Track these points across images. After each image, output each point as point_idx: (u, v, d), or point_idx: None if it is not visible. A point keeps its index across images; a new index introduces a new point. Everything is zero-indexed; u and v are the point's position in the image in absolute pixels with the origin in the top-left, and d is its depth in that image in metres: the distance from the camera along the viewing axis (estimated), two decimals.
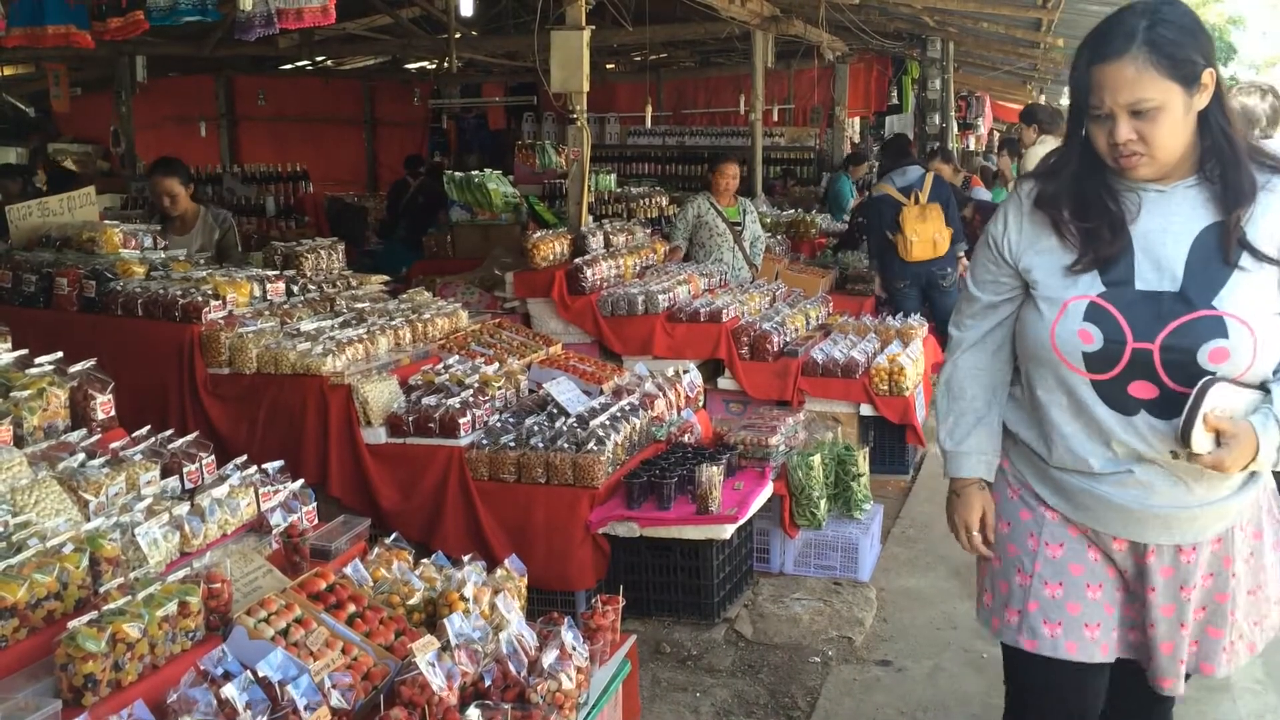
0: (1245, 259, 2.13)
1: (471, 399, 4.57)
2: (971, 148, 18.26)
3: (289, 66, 15.58)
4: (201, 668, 2.43)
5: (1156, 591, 2.31)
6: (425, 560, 3.40)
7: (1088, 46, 2.16)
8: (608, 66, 15.60)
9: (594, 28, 6.84)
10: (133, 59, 11.38)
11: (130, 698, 2.37)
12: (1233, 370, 2.10)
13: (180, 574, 2.70)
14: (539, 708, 2.59)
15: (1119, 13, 2.15)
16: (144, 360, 4.65)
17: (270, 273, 5.36)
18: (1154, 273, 2.16)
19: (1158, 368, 2.13)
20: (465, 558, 3.38)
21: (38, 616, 2.48)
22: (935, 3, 9.65)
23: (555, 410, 4.67)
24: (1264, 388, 2.14)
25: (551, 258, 6.76)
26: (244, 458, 3.50)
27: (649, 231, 8.22)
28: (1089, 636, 2.35)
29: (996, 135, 19.91)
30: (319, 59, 15.34)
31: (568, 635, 2.82)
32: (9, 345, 3.55)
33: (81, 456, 3.12)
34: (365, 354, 4.80)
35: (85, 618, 2.39)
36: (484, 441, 4.45)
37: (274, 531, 3.24)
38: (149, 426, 3.47)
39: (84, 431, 3.30)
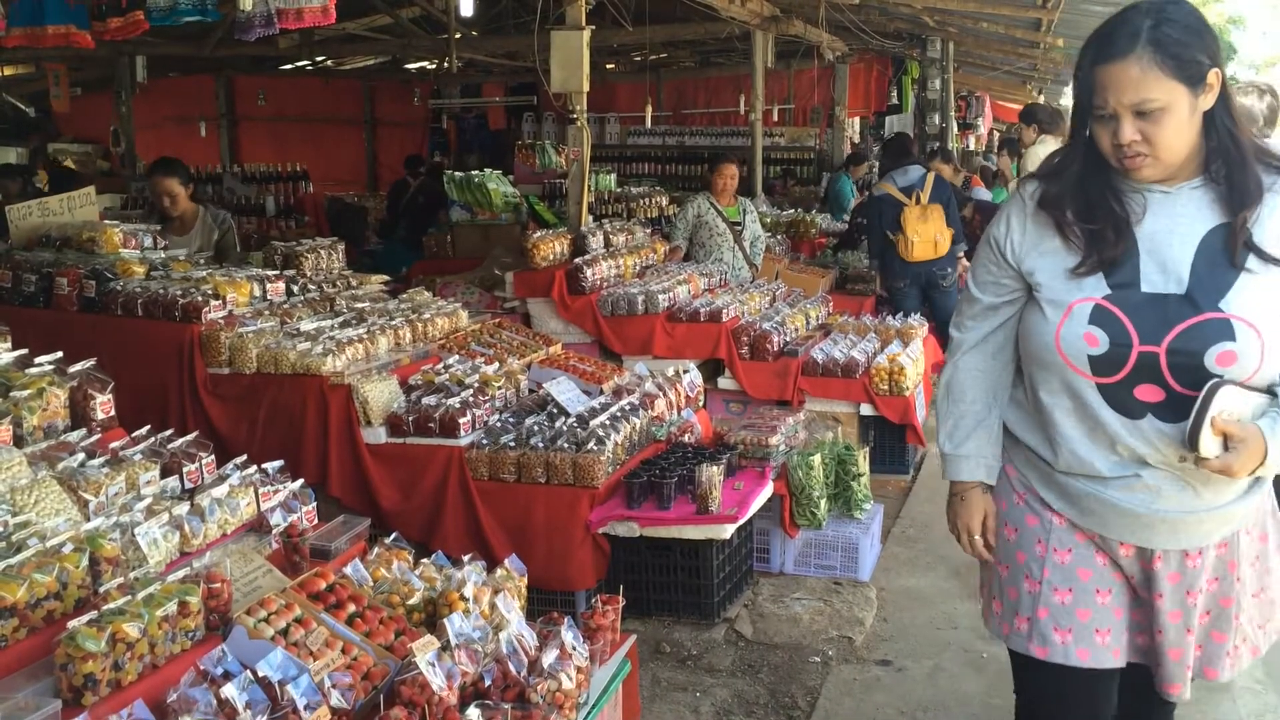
0: (1252, 261, 2.11)
1: (471, 399, 4.57)
2: (971, 148, 18.26)
3: (289, 66, 15.58)
4: (201, 667, 2.43)
5: (1164, 598, 2.29)
6: (425, 560, 3.40)
7: (1092, 46, 2.14)
8: (608, 66, 15.60)
9: (594, 28, 6.84)
10: (133, 59, 11.38)
11: (130, 697, 2.37)
12: (1240, 374, 2.08)
13: (180, 574, 2.70)
14: (539, 707, 2.59)
15: (1123, 12, 2.13)
16: (144, 360, 4.65)
17: (270, 272, 5.36)
18: (1160, 275, 2.14)
19: (1164, 371, 2.11)
20: (465, 557, 3.38)
21: (37, 616, 2.48)
22: (935, 3, 9.65)
23: (555, 410, 4.67)
24: (1271, 391, 2.11)
25: (551, 257, 6.76)
26: (244, 457, 3.50)
27: (649, 231, 8.22)
28: (1100, 642, 2.33)
29: (996, 135, 19.91)
30: (319, 59, 15.34)
31: (568, 635, 2.82)
32: (9, 345, 3.55)
33: (81, 456, 3.12)
34: (365, 354, 4.80)
35: (85, 617, 2.39)
36: (484, 441, 4.45)
37: (274, 531, 3.24)
38: (149, 426, 3.47)
39: (84, 431, 3.30)
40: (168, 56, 12.48)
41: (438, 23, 11.54)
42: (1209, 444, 2.05)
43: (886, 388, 5.96)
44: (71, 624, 2.37)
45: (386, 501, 4.48)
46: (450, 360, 5.00)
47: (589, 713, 2.81)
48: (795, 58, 12.94)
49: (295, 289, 5.33)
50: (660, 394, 5.01)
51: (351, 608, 2.93)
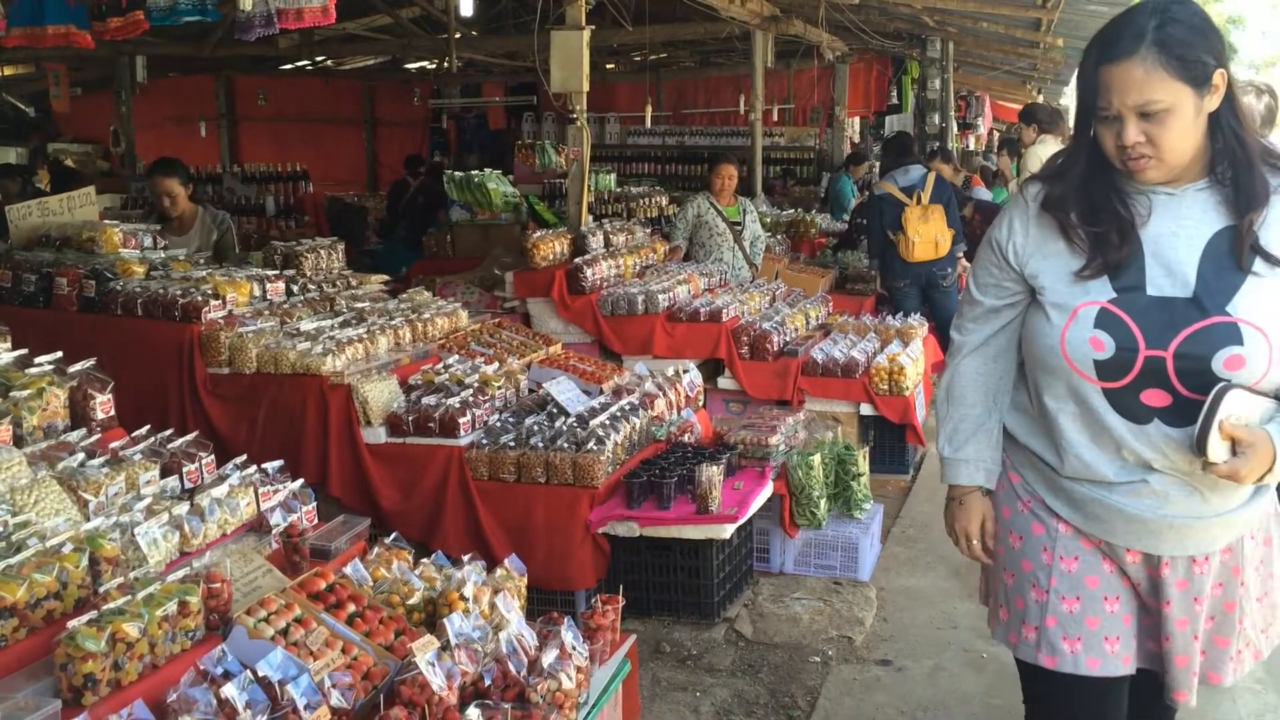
0: (1258, 264, 2.08)
1: (471, 399, 4.57)
2: (971, 147, 18.26)
3: (289, 66, 15.58)
4: (201, 667, 2.43)
5: (1172, 605, 2.26)
6: (425, 560, 3.40)
7: (1096, 46, 2.11)
8: (608, 66, 15.60)
9: (594, 27, 6.84)
10: (133, 59, 11.38)
11: (130, 697, 2.37)
12: (1248, 378, 2.05)
13: (180, 574, 2.70)
14: (539, 707, 2.59)
15: (1128, 12, 2.11)
16: (144, 360, 4.65)
17: (270, 272, 5.36)
18: (1165, 278, 2.11)
19: (1171, 375, 2.08)
20: (465, 557, 3.38)
21: (37, 616, 2.48)
22: (935, 2, 9.65)
23: (555, 410, 4.67)
24: (1279, 396, 2.09)
25: (551, 257, 6.76)
26: (244, 457, 3.50)
27: (649, 231, 8.22)
28: (1109, 650, 2.30)
29: (996, 135, 19.91)
30: (319, 59, 15.33)
31: (567, 635, 2.82)
32: (9, 345, 3.54)
33: (81, 456, 3.12)
34: (365, 354, 4.80)
35: (85, 617, 2.39)
36: (484, 441, 4.45)
37: (274, 531, 3.24)
38: (149, 426, 3.47)
39: (83, 431, 3.30)
40: (168, 56, 12.48)
41: (438, 22, 11.54)
42: (1217, 449, 2.03)
43: (886, 387, 5.96)
44: (71, 624, 2.37)
45: (386, 501, 4.48)
46: (450, 360, 5.00)
47: (589, 712, 2.81)
48: (795, 57, 12.94)
49: (295, 289, 5.33)
50: (660, 394, 5.01)
51: (351, 607, 2.93)
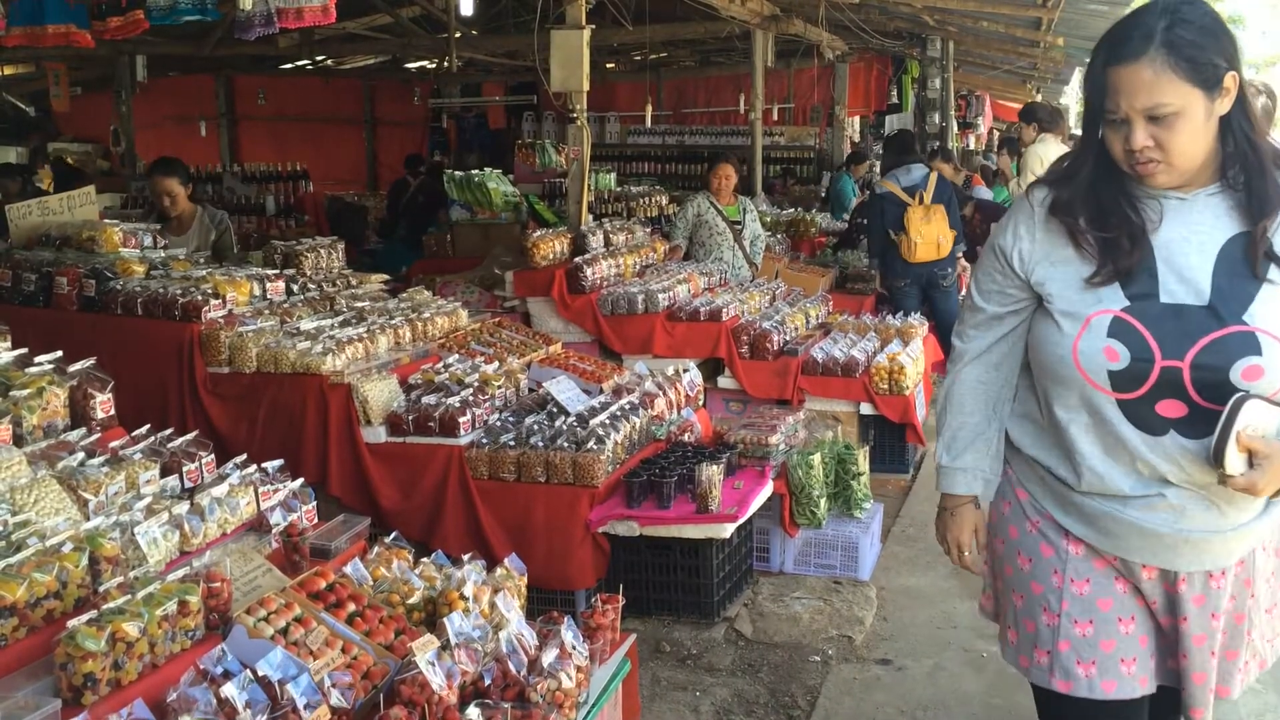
0: (1273, 271, 2.03)
1: (471, 398, 4.57)
2: (971, 147, 18.27)
3: (289, 66, 15.58)
4: (201, 667, 2.43)
5: (1189, 621, 2.20)
6: (425, 559, 3.40)
7: (1104, 47, 2.06)
8: (608, 66, 15.60)
9: (594, 27, 6.84)
10: (133, 58, 11.38)
11: (130, 697, 2.37)
12: (1266, 388, 2.00)
13: (180, 573, 2.70)
14: (539, 707, 2.59)
15: (1136, 12, 2.05)
16: (144, 359, 4.65)
17: (270, 272, 5.36)
18: (1178, 285, 2.06)
19: (1188, 386, 2.02)
20: (465, 557, 3.39)
21: (37, 615, 2.48)
22: (935, 2, 9.65)
23: (555, 409, 4.66)
24: None
25: (551, 257, 6.76)
26: (244, 457, 3.50)
27: (649, 230, 8.22)
28: (1126, 672, 2.24)
29: (996, 134, 19.91)
30: (319, 58, 15.33)
31: (567, 634, 2.82)
32: (9, 344, 3.54)
33: (81, 455, 3.12)
34: (365, 353, 4.80)
35: (85, 617, 2.39)
36: (484, 440, 4.45)
37: (274, 530, 3.23)
38: (148, 425, 3.47)
39: (83, 430, 3.30)
40: (168, 56, 12.48)
41: (438, 22, 11.54)
42: (1234, 461, 1.97)
43: (886, 387, 5.96)
44: (71, 623, 2.37)
45: (386, 501, 4.48)
46: (450, 359, 5.00)
47: (589, 712, 2.81)
48: (795, 57, 12.94)
49: (295, 288, 5.33)
50: (660, 393, 5.00)
51: (351, 607, 2.93)
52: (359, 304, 5.36)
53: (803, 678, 4.02)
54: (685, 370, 5.42)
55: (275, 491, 3.36)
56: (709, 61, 15.84)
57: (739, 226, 7.95)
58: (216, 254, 6.05)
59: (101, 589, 2.57)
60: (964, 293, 8.86)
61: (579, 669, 2.76)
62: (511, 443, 4.40)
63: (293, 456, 4.18)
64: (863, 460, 5.01)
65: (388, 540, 3.47)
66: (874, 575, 4.86)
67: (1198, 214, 2.10)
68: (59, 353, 3.45)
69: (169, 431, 3.50)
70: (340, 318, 5.11)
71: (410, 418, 4.48)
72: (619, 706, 3.10)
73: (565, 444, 4.33)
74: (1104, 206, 2.12)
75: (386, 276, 6.23)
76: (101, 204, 6.73)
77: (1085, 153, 2.17)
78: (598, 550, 4.27)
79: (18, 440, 3.11)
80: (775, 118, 14.63)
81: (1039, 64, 14.05)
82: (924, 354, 6.54)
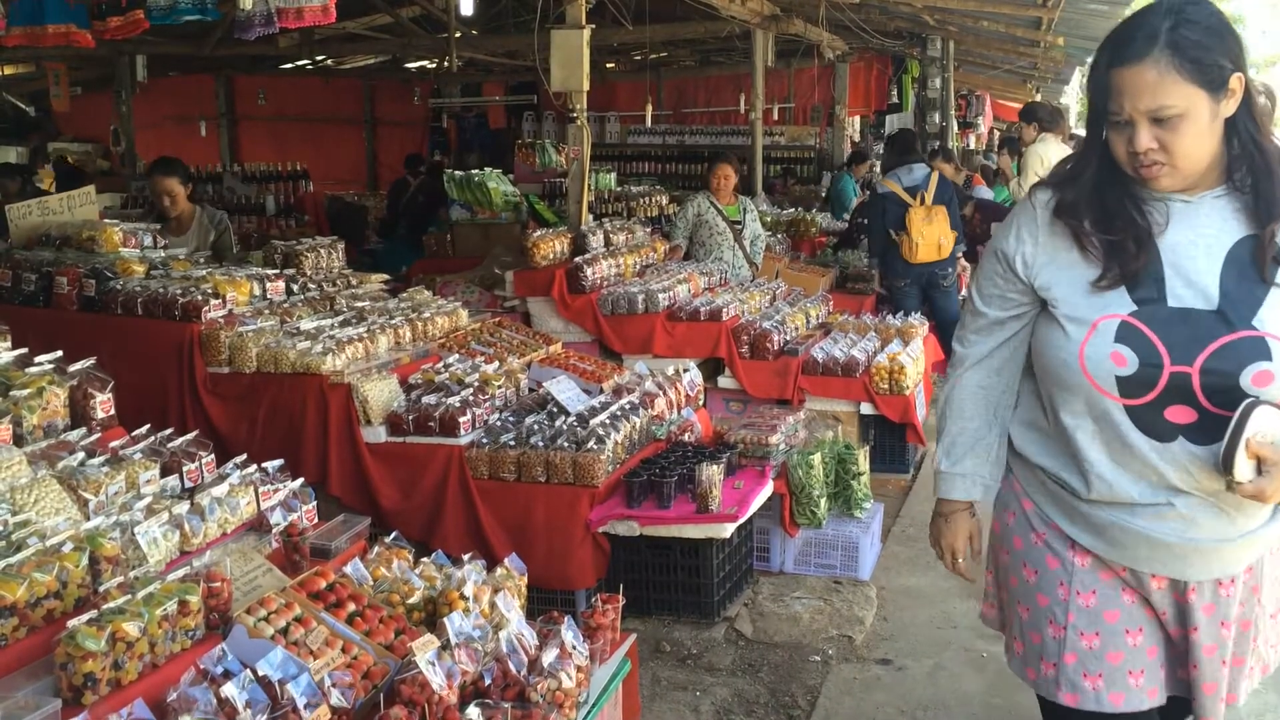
0: None
1: (471, 398, 4.57)
2: (972, 146, 18.27)
3: (289, 66, 15.58)
4: (201, 666, 2.43)
5: (1199, 631, 2.18)
6: (425, 559, 3.40)
7: (1108, 48, 2.03)
8: (608, 65, 15.60)
9: (594, 26, 6.84)
10: (133, 58, 11.38)
11: (130, 696, 2.37)
12: (1276, 394, 1.97)
13: (180, 573, 2.70)
14: (539, 706, 2.59)
15: (1141, 12, 2.02)
16: (144, 359, 4.65)
17: (270, 271, 5.36)
18: (1186, 289, 2.03)
19: (1197, 392, 1.99)
20: (465, 556, 3.38)
21: (37, 615, 2.48)
22: (936, 1, 9.65)
23: (555, 409, 4.66)
24: None
25: (551, 256, 6.76)
26: (244, 456, 3.50)
27: (649, 230, 8.21)
28: (1134, 684, 2.21)
29: (997, 134, 19.92)
30: (319, 58, 15.34)
31: (568, 634, 2.82)
32: (9, 344, 3.54)
33: (81, 455, 3.12)
34: (365, 353, 4.80)
35: (85, 617, 2.39)
36: (484, 440, 4.45)
37: (274, 530, 3.24)
38: (149, 425, 3.47)
39: (83, 430, 3.30)
40: (168, 56, 12.48)
41: (438, 22, 11.54)
42: (1243, 467, 1.95)
43: (887, 386, 5.96)
44: (71, 623, 2.37)
45: (386, 500, 4.47)
46: (450, 359, 5.00)
47: (589, 712, 2.81)
48: (795, 56, 12.94)
49: (295, 288, 5.33)
50: (660, 393, 5.00)
51: (351, 607, 2.93)
52: (359, 304, 5.36)
53: (803, 677, 4.02)
54: (685, 370, 5.42)
55: (275, 491, 3.36)
56: (709, 61, 15.84)
57: (739, 226, 7.95)
58: (216, 254, 6.05)
59: (102, 589, 2.57)
60: (963, 293, 8.90)
61: (579, 669, 2.76)
62: (512, 442, 4.40)
63: (293, 456, 4.18)
64: (863, 460, 5.01)
65: (388, 540, 3.47)
66: (874, 575, 4.86)
67: (1204, 217, 2.07)
68: (59, 352, 3.45)
69: (169, 431, 3.49)
70: (340, 318, 5.10)
71: (410, 417, 4.48)
72: (619, 706, 3.09)
73: (565, 444, 4.33)
74: (1109, 209, 2.09)
75: (386, 276, 6.23)
76: (101, 204, 6.74)
77: (1089, 155, 2.14)
78: (598, 550, 4.27)
79: (18, 440, 3.11)
80: (775, 117, 14.64)
81: (1039, 64, 14.05)
82: (924, 354, 6.54)
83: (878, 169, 11.67)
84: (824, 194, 13.39)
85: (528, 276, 6.71)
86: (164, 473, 3.23)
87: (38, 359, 3.38)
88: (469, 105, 17.67)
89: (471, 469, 4.38)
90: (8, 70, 13.54)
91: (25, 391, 3.21)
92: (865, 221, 8.91)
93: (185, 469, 3.29)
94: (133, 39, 7.74)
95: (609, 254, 6.95)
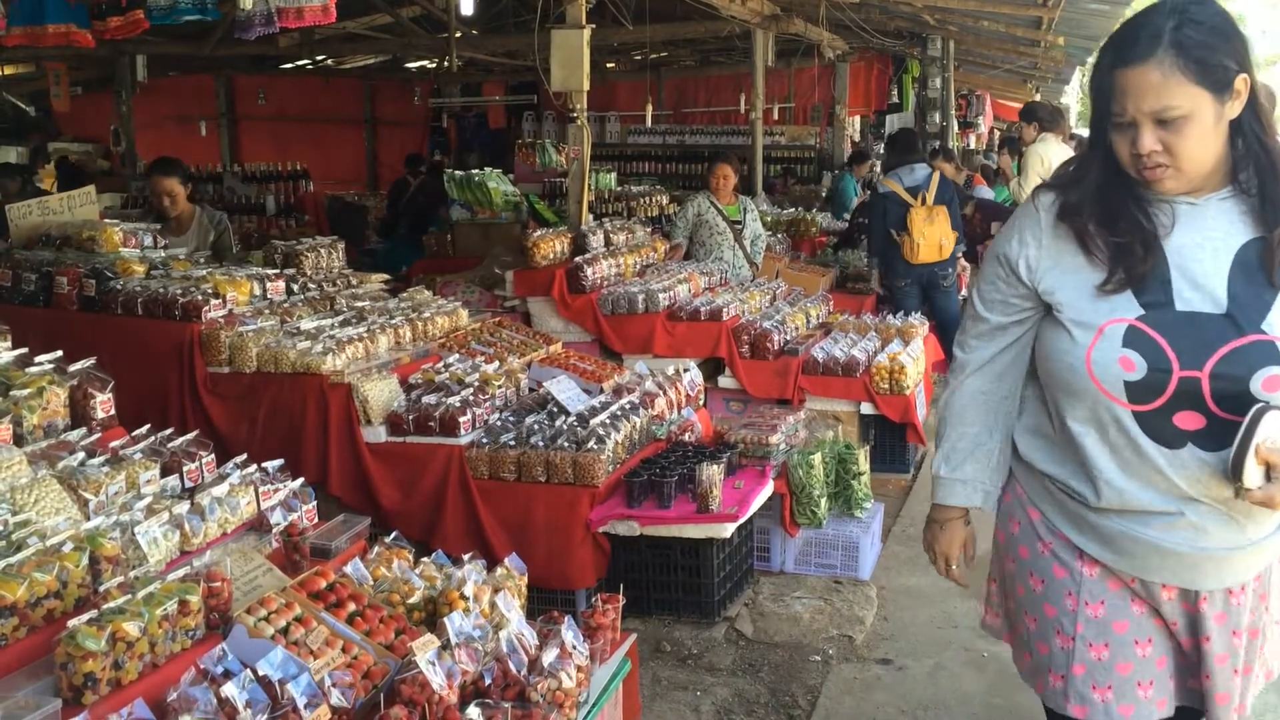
0: None
1: (472, 398, 4.57)
2: (972, 146, 18.28)
3: (289, 65, 15.58)
4: (201, 666, 2.43)
5: (1212, 640, 2.15)
6: (425, 559, 3.40)
7: (1111, 48, 2.00)
8: (608, 65, 15.60)
9: (594, 26, 6.84)
10: (133, 58, 11.38)
11: (130, 696, 2.37)
12: None
13: (180, 573, 2.69)
14: (539, 706, 2.59)
15: (1144, 11, 2.00)
16: (144, 359, 4.65)
17: (270, 271, 5.36)
18: (1193, 292, 2.00)
19: (1206, 397, 1.96)
20: (465, 556, 3.38)
21: (37, 615, 2.48)
22: (936, 1, 9.65)
23: (555, 409, 4.66)
24: None
25: (552, 256, 6.76)
26: (244, 456, 3.50)
27: (649, 230, 8.21)
28: (1143, 696, 2.18)
29: (997, 134, 19.93)
30: (319, 58, 15.34)
31: (568, 634, 2.82)
32: (9, 344, 3.54)
33: (81, 455, 3.12)
34: (365, 353, 4.80)
35: (85, 616, 2.39)
36: (484, 440, 4.45)
37: (274, 530, 3.23)
38: (149, 425, 3.46)
39: (84, 430, 3.30)
40: (168, 56, 12.48)
41: (438, 22, 11.54)
42: (1252, 474, 1.92)
43: (887, 386, 5.96)
44: (71, 623, 2.37)
45: (387, 500, 4.47)
46: (450, 359, 5.00)
47: (589, 711, 2.81)
48: (796, 56, 12.94)
49: (295, 288, 5.33)
50: (660, 393, 5.00)
51: (352, 606, 2.93)
52: (359, 304, 5.36)
53: (803, 677, 4.02)
54: (686, 370, 5.42)
55: (275, 491, 3.36)
56: (709, 61, 15.84)
57: (739, 226, 7.95)
58: (216, 254, 6.05)
59: (102, 589, 2.57)
60: (963, 293, 8.90)
61: (579, 668, 2.76)
62: (512, 442, 4.40)
63: (293, 456, 4.18)
64: (863, 460, 5.00)
65: (388, 540, 3.47)
66: (874, 575, 4.86)
67: (1210, 219, 2.04)
68: (59, 352, 3.45)
69: (169, 431, 3.49)
70: (340, 317, 5.10)
71: (410, 417, 4.48)
72: (619, 706, 3.09)
73: (565, 444, 4.33)
74: (1113, 212, 2.06)
75: (387, 276, 6.23)
76: (102, 204, 6.73)
77: (1092, 157, 2.12)
78: (598, 550, 4.27)
79: (18, 440, 3.11)
80: (776, 117, 14.64)
81: (1039, 63, 14.05)
82: (924, 353, 6.53)
83: (879, 169, 11.67)
84: (825, 194, 13.40)
85: (528, 276, 6.71)
86: (164, 473, 3.23)
87: (38, 359, 3.38)
88: (469, 105, 17.68)
89: (472, 469, 4.38)
90: (8, 70, 13.54)
91: (25, 391, 3.21)
92: (865, 221, 8.91)
93: (185, 469, 3.29)
94: (133, 39, 7.73)
95: (609, 254, 6.95)
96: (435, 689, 2.51)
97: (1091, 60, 12.31)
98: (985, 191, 11.13)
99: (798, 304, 7.27)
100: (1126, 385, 2.01)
